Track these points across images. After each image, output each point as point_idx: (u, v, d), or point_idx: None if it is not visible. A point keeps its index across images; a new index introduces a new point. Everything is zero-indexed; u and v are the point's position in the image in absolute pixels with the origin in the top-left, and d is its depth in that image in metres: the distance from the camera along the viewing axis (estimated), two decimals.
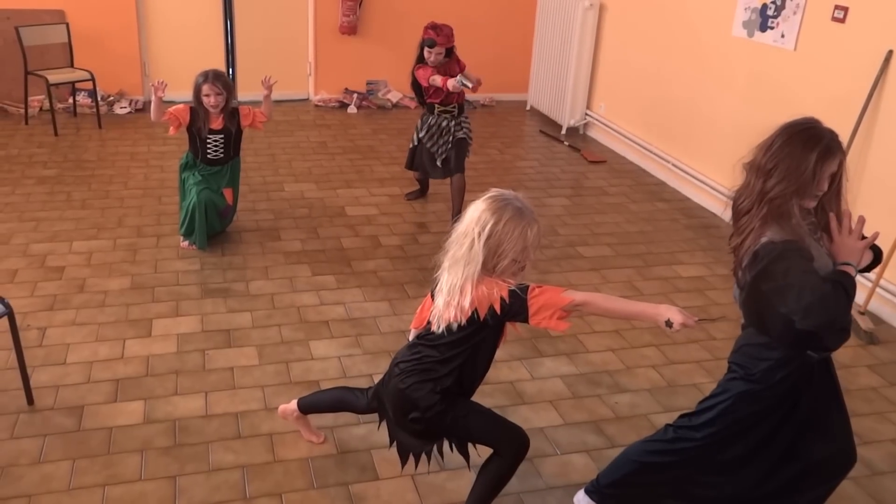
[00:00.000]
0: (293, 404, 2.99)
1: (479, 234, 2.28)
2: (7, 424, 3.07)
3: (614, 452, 2.94)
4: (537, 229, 2.33)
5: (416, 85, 5.09)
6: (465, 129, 5.17)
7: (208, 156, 4.61)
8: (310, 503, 2.78)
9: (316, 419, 3.09)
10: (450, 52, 5.03)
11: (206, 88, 4.39)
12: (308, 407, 2.97)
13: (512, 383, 3.53)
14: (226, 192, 4.74)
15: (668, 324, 2.23)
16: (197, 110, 4.47)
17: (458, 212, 4.96)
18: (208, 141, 4.57)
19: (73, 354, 3.57)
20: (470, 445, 2.66)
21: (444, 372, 2.45)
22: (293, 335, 3.81)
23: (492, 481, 2.58)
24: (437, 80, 4.86)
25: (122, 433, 3.06)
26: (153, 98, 4.44)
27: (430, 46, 4.89)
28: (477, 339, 2.41)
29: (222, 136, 4.59)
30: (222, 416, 3.20)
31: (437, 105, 5.08)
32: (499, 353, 3.68)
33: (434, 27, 4.90)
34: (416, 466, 2.72)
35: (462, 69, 5.08)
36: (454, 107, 5.10)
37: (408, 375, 2.50)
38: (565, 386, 3.54)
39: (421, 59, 4.99)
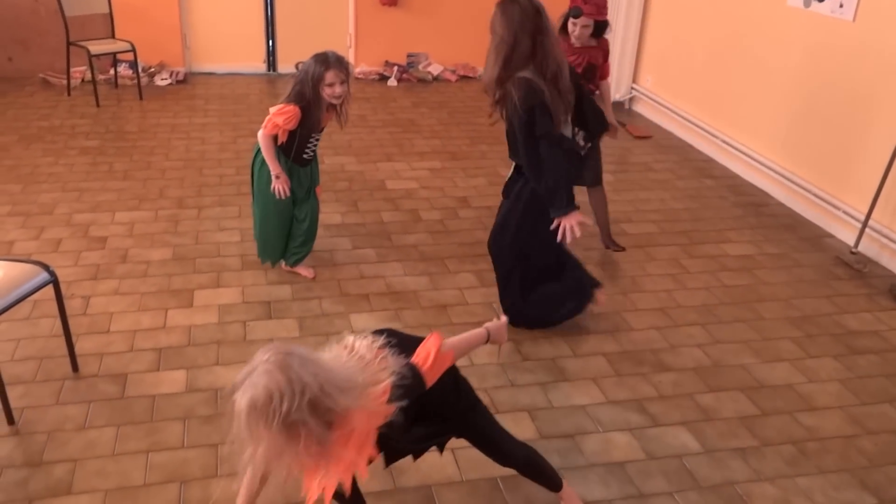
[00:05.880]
0: None
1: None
2: (53, 390, 3.11)
3: (657, 431, 2.90)
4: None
5: None
6: None
7: (304, 156, 3.83)
8: None
9: None
10: (601, 30, 4.16)
11: (330, 76, 3.53)
12: None
13: (553, 360, 3.48)
14: (317, 190, 4.03)
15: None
16: (310, 107, 3.61)
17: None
18: (311, 140, 3.80)
19: (116, 323, 3.59)
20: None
21: None
22: (333, 308, 3.80)
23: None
24: None
25: (164, 401, 3.08)
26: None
27: (575, 17, 4.04)
28: None
29: (321, 132, 3.84)
30: None
31: None
32: (541, 330, 3.67)
33: None
34: None
35: (606, 57, 4.27)
36: None
37: None
38: (608, 363, 3.48)
39: (564, 30, 4.13)
